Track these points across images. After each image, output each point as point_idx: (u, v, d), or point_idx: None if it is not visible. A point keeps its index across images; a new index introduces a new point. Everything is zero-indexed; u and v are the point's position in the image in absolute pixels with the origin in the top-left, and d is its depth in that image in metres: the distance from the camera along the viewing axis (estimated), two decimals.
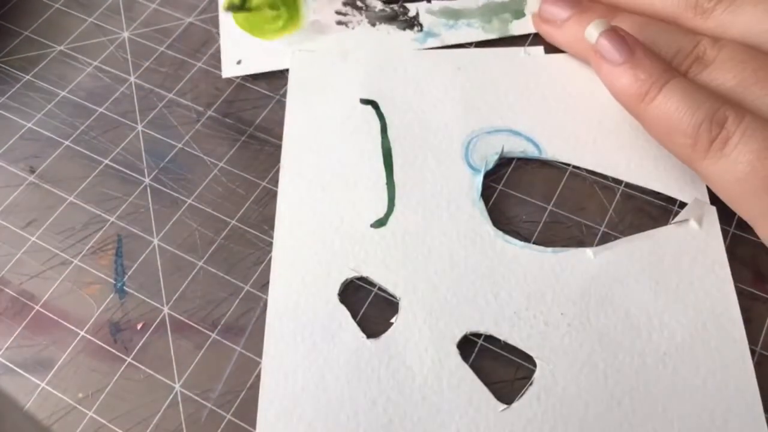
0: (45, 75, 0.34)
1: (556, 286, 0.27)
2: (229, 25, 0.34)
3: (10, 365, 0.27)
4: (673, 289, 0.26)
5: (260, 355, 0.26)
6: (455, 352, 0.25)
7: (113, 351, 0.27)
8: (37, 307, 0.28)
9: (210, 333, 0.27)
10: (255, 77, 0.33)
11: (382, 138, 0.31)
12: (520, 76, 0.32)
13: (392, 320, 0.26)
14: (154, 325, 0.27)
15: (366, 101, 0.32)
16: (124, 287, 0.28)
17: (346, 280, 0.27)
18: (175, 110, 0.33)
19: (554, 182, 0.30)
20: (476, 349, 0.26)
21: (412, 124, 0.31)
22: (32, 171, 0.31)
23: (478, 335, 0.26)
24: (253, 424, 0.25)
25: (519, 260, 0.27)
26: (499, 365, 0.26)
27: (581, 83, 0.32)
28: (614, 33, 0.28)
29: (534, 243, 0.28)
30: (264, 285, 0.28)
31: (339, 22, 0.35)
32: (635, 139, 0.30)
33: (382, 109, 0.31)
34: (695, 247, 0.27)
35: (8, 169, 0.31)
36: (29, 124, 0.33)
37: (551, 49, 0.33)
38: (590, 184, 0.30)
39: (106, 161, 0.31)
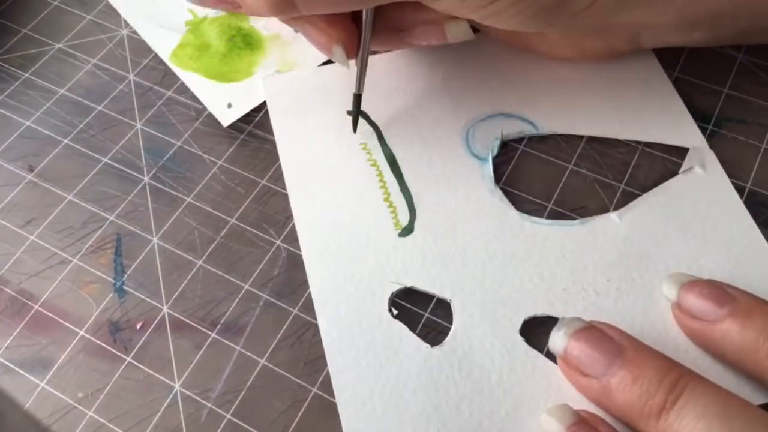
0: (44, 73, 0.34)
1: (593, 255, 0.27)
2: (195, 80, 0.33)
3: (10, 365, 0.27)
4: (700, 234, 0.28)
5: (260, 355, 0.26)
6: (520, 339, 0.26)
7: (113, 350, 0.27)
8: (36, 307, 0.28)
9: (210, 332, 0.27)
10: None
11: (382, 146, 0.30)
12: (497, 61, 0.32)
13: (450, 324, 0.26)
14: (153, 325, 0.27)
15: (351, 112, 0.31)
16: (124, 286, 0.28)
17: (392, 294, 0.27)
18: (174, 108, 0.33)
19: (555, 179, 0.30)
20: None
21: (406, 126, 0.31)
22: (31, 169, 0.31)
23: (536, 319, 0.26)
24: (254, 424, 0.25)
25: (551, 238, 0.28)
26: None
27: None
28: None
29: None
30: (264, 284, 0.28)
31: (297, 30, 0.34)
32: (623, 96, 0.31)
33: (372, 117, 0.31)
34: (706, 190, 0.29)
35: (7, 167, 0.31)
36: (28, 123, 0.32)
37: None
38: (590, 182, 0.30)
39: (105, 159, 0.31)
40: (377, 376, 0.25)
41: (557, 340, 0.24)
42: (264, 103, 0.32)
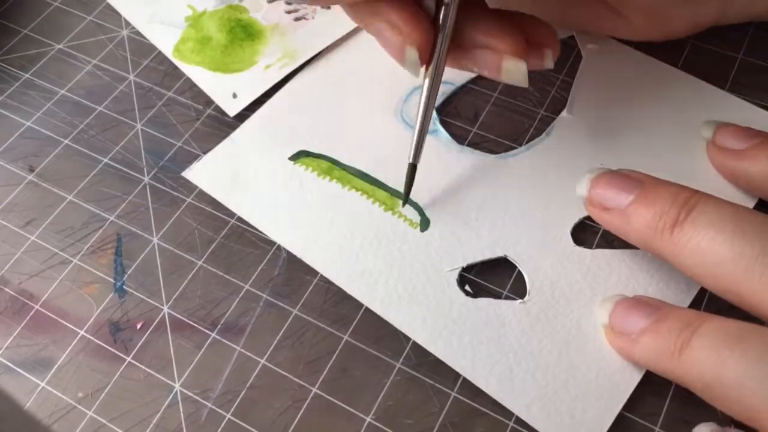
0: (44, 73, 0.34)
1: (579, 148, 0.30)
2: (199, 73, 0.33)
3: (10, 365, 0.27)
4: (631, 88, 0.31)
5: (260, 355, 0.26)
6: (581, 249, 0.28)
7: (113, 350, 0.27)
8: (36, 307, 0.28)
9: (210, 332, 0.27)
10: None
11: (344, 169, 0.30)
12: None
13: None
14: (153, 325, 0.27)
15: (295, 156, 0.30)
16: (124, 286, 0.28)
17: (457, 280, 0.27)
18: (174, 108, 0.33)
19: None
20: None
21: (352, 139, 0.31)
22: (31, 170, 0.31)
23: (577, 226, 0.28)
24: (254, 424, 0.25)
25: (537, 157, 0.30)
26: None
27: None
28: None
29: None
30: (264, 284, 0.28)
31: (297, 19, 0.35)
32: None
33: (314, 149, 0.30)
34: (612, 59, 0.32)
35: (7, 167, 0.31)
36: (28, 123, 0.32)
37: None
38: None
39: (106, 160, 0.31)
40: (494, 350, 0.26)
41: (582, 184, 0.26)
42: (263, 101, 0.32)
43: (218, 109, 0.32)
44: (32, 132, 0.32)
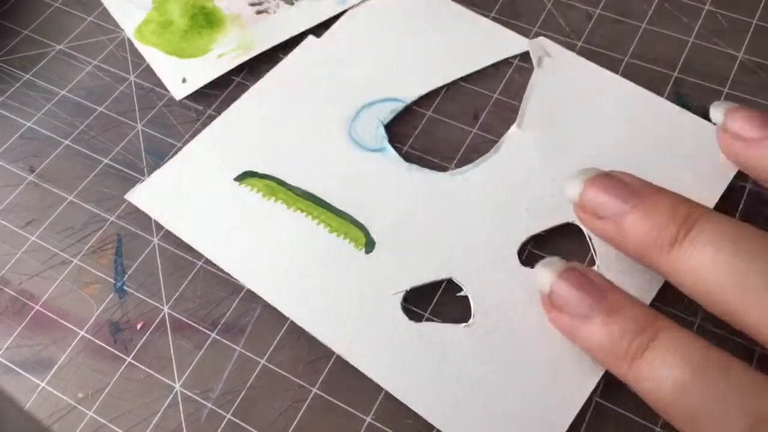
0: (45, 74, 0.34)
1: (528, 166, 0.29)
2: (154, 55, 0.34)
3: (10, 365, 0.27)
4: (587, 102, 0.31)
5: (260, 355, 0.26)
6: (526, 269, 0.27)
7: (113, 351, 0.27)
8: (36, 307, 0.28)
9: (210, 332, 0.27)
10: (252, 76, 0.33)
11: (290, 190, 0.29)
12: (334, 65, 0.33)
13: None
14: (153, 325, 0.27)
15: (240, 177, 0.30)
16: (124, 287, 0.28)
17: (401, 303, 0.26)
18: (174, 109, 0.33)
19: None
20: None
21: (296, 160, 0.30)
22: (32, 170, 0.31)
23: (524, 245, 0.28)
24: (254, 424, 0.25)
25: (485, 175, 0.29)
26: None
27: (383, 32, 0.34)
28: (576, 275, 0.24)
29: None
30: None
31: (259, 12, 0.35)
32: (447, 41, 0.33)
33: (260, 170, 0.30)
34: (563, 70, 0.32)
35: (8, 168, 0.31)
36: (29, 123, 0.32)
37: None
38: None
39: (106, 160, 0.31)
40: (437, 375, 0.25)
41: (574, 186, 0.25)
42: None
43: (218, 110, 0.32)
44: (33, 132, 0.32)
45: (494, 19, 0.34)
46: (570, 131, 0.30)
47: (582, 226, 0.27)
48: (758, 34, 0.33)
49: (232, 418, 0.25)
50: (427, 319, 0.26)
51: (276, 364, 0.26)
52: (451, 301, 0.27)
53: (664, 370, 0.21)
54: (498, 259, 0.27)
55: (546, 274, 0.24)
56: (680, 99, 0.31)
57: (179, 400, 0.26)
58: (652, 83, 0.32)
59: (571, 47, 0.33)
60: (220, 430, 0.25)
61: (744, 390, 0.20)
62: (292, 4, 0.35)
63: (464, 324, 0.26)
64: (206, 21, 0.35)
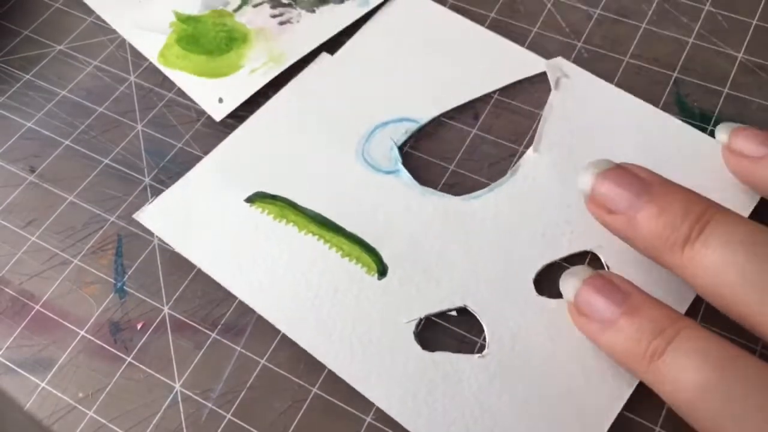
0: (45, 74, 0.34)
1: (542, 191, 0.29)
2: (185, 78, 0.33)
3: (10, 365, 0.27)
4: (605, 125, 0.30)
5: (260, 355, 0.26)
6: (542, 298, 0.26)
7: (113, 351, 0.27)
8: (37, 307, 0.28)
9: (210, 333, 0.27)
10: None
11: (302, 212, 0.29)
12: (348, 83, 0.32)
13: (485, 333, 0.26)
14: (154, 325, 0.27)
15: (251, 198, 0.29)
16: (124, 287, 0.28)
17: (414, 331, 0.26)
18: (175, 110, 0.33)
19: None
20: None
21: (309, 183, 0.29)
22: (32, 170, 0.31)
23: (540, 274, 0.27)
24: (254, 424, 0.25)
25: (500, 200, 0.29)
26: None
27: (402, 51, 0.33)
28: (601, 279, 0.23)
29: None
30: None
31: (282, 23, 0.35)
32: (466, 60, 0.33)
33: (271, 191, 0.29)
34: (582, 90, 0.31)
35: (8, 168, 0.31)
36: (29, 124, 0.32)
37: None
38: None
39: (106, 161, 0.31)
40: (450, 407, 0.24)
41: (586, 179, 0.25)
42: (263, 102, 0.32)
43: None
44: (33, 133, 0.32)
45: (494, 19, 0.34)
46: (588, 155, 0.28)
47: (599, 254, 0.27)
48: (758, 34, 0.33)
49: (232, 418, 0.25)
50: (441, 349, 0.26)
51: (276, 364, 0.26)
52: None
53: (684, 371, 0.21)
54: (513, 287, 0.26)
55: (571, 281, 0.24)
56: (680, 99, 0.31)
57: (179, 400, 0.26)
58: (652, 83, 0.32)
59: (571, 47, 0.33)
60: (220, 430, 0.25)
61: (764, 389, 0.20)
62: (314, 11, 0.35)
63: (479, 355, 0.25)
64: (231, 38, 0.34)
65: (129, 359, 0.26)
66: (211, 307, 0.27)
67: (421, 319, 0.26)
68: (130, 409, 0.25)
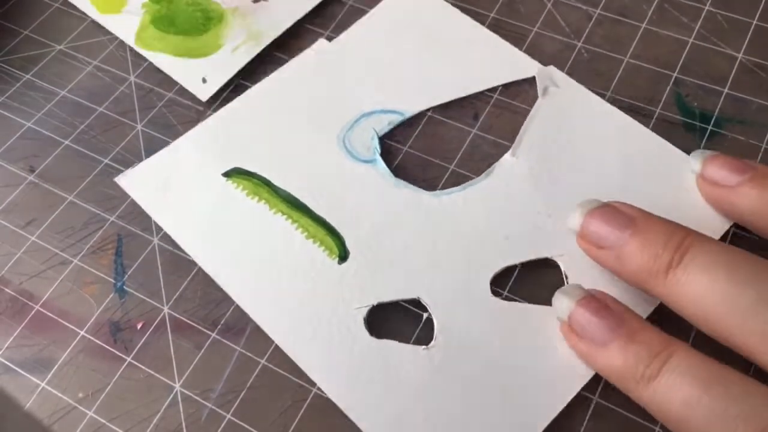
0: (45, 74, 0.34)
1: (513, 196, 0.29)
2: (165, 60, 0.33)
3: (10, 365, 0.27)
4: (586, 137, 0.30)
5: (260, 355, 0.26)
6: (497, 299, 0.27)
7: (113, 351, 0.27)
8: (37, 307, 0.28)
9: (210, 333, 0.27)
10: (252, 77, 0.33)
11: (276, 191, 0.29)
12: (338, 72, 0.33)
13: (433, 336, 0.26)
14: (154, 325, 0.27)
15: (228, 173, 0.30)
16: (124, 287, 0.28)
17: (364, 318, 0.26)
18: (174, 109, 0.33)
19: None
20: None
21: (287, 164, 0.30)
22: (32, 170, 0.31)
23: (499, 274, 0.27)
24: (254, 424, 0.25)
25: (471, 199, 0.29)
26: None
27: (388, 48, 0.33)
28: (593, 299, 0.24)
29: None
30: None
31: (255, 0, 0.35)
32: (458, 57, 0.33)
33: (247, 167, 0.30)
34: (569, 101, 0.31)
35: (8, 168, 0.31)
36: (29, 124, 0.32)
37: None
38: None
39: (106, 161, 0.31)
40: (388, 395, 0.25)
41: (575, 218, 0.25)
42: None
43: (219, 109, 0.32)
44: (33, 133, 0.32)
45: (494, 18, 0.34)
46: (564, 165, 0.29)
47: (559, 262, 0.27)
48: (758, 34, 0.33)
49: (232, 418, 0.25)
50: (389, 337, 0.26)
51: (276, 364, 0.26)
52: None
53: (673, 390, 0.21)
54: (469, 285, 0.27)
55: (565, 300, 0.24)
56: (680, 99, 0.31)
57: (179, 400, 0.26)
58: (652, 83, 0.32)
59: (571, 47, 0.33)
60: (220, 430, 0.25)
61: (748, 404, 0.21)
62: None
63: (424, 347, 0.26)
64: (206, 17, 0.34)
65: (129, 359, 0.26)
66: (211, 307, 0.27)
67: (373, 306, 0.26)
68: (130, 409, 0.25)
